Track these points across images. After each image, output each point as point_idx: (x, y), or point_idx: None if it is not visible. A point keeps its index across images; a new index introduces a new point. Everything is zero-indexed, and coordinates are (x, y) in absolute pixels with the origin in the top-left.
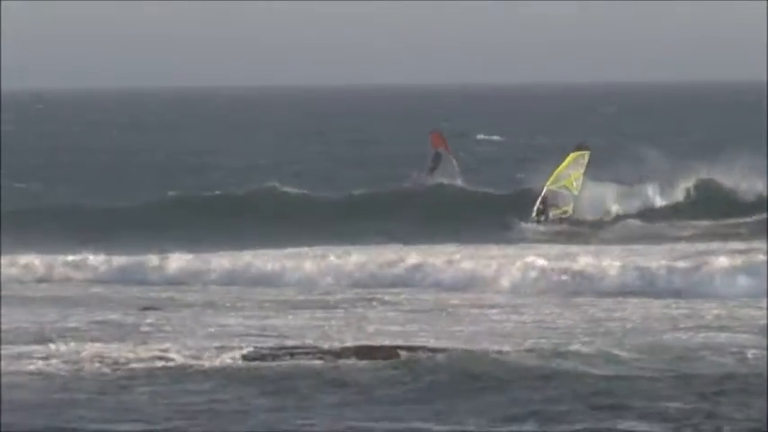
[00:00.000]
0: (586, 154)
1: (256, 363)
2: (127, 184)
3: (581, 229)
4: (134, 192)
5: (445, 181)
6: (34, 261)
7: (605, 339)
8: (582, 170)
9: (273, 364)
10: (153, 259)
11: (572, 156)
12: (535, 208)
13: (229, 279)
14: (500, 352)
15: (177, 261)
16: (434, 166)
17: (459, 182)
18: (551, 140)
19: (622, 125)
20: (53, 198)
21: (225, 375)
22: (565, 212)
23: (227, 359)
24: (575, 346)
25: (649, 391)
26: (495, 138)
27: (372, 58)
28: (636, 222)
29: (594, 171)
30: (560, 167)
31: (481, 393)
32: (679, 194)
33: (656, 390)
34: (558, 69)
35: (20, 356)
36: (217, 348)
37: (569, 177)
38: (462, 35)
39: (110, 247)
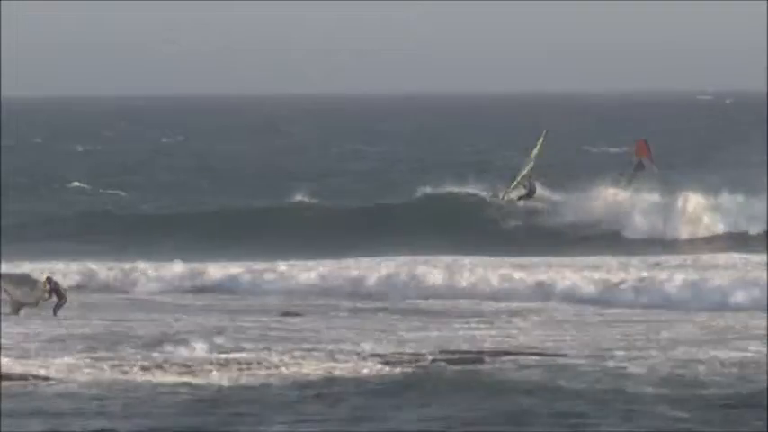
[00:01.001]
0: (542, 136)
1: (452, 367)
2: (198, 193)
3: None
4: (207, 200)
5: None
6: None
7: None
8: (540, 142)
9: (466, 367)
10: (260, 266)
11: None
12: (513, 188)
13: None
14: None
15: (281, 268)
16: (635, 174)
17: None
18: (682, 159)
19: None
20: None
21: (435, 381)
22: (530, 169)
23: (420, 365)
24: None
25: None
26: (613, 150)
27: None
28: (737, 233)
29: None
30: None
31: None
32: None
33: None
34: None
35: (239, 365)
36: (409, 354)
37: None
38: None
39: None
